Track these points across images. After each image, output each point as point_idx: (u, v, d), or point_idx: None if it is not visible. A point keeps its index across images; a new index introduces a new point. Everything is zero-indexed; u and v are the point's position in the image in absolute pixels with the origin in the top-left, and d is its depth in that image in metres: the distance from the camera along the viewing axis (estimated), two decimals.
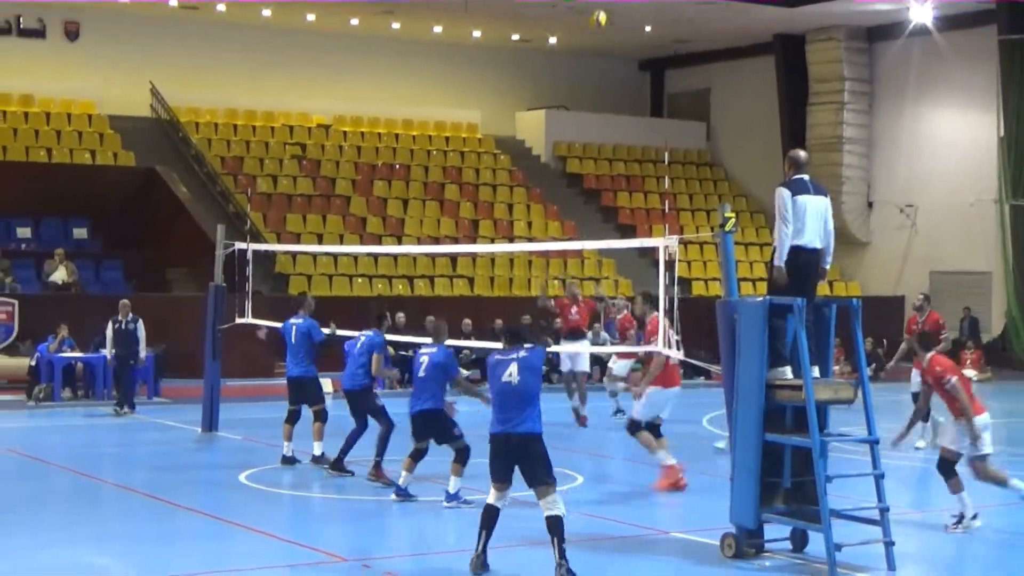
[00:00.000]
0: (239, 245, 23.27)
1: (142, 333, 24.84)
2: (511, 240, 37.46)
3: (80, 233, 34.17)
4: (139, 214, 34.45)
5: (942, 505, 14.55)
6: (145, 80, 38.46)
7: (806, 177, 13.09)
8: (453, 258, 36.04)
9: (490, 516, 11.97)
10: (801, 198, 12.84)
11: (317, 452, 17.75)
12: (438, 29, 40.91)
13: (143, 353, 25.19)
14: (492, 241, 37.00)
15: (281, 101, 40.47)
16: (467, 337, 28.59)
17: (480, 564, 11.87)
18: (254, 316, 22.49)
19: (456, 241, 36.38)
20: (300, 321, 18.24)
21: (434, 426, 14.95)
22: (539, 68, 44.85)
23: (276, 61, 40.51)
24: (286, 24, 39.68)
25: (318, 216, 36.72)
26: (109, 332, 24.78)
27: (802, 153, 13.49)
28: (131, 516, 14.79)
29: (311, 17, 39.19)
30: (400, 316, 28.34)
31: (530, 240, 37.18)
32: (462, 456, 14.81)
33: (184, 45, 39.27)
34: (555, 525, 11.66)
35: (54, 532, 13.74)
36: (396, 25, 40.35)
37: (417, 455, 15.17)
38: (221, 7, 38.01)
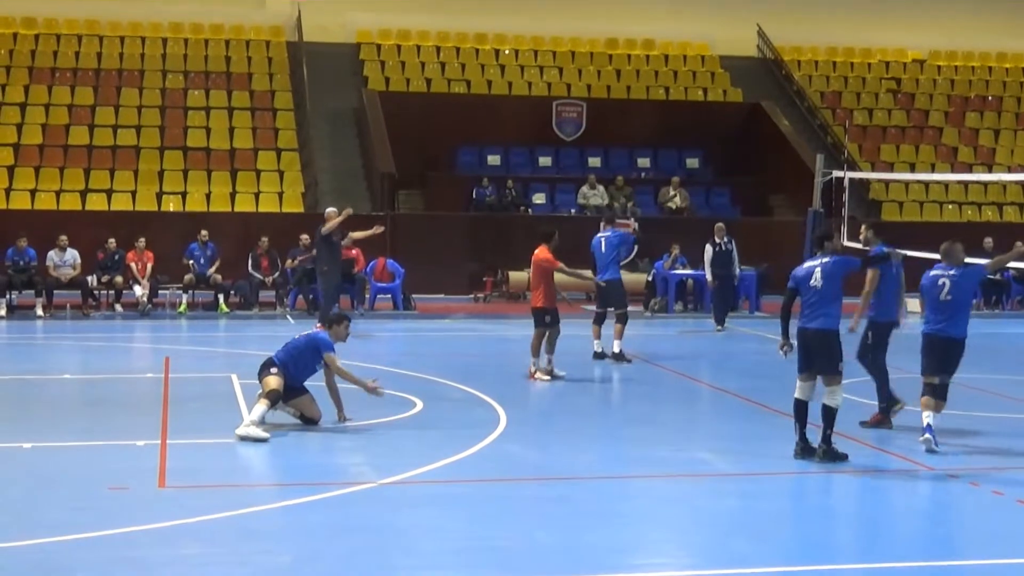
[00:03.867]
0: (836, 173, 23.05)
1: (736, 254, 24.91)
2: None
3: (692, 163, 34.84)
4: (745, 145, 34.71)
5: None
6: (752, 22, 38.62)
7: None
8: None
9: (799, 409, 12.23)
10: None
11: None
12: None
13: (738, 271, 25.33)
14: None
15: (878, 38, 39.46)
16: None
17: (801, 451, 12.16)
18: (848, 239, 22.23)
19: None
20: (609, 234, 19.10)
21: None
22: None
23: None
24: None
25: (911, 146, 35.76)
26: (709, 253, 24.65)
27: None
28: (725, 416, 15.01)
29: None
30: (988, 240, 27.42)
31: None
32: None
33: None
34: (826, 413, 12.02)
35: (667, 429, 14.16)
36: None
37: None
38: None
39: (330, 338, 13.49)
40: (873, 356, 14.12)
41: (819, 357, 12.22)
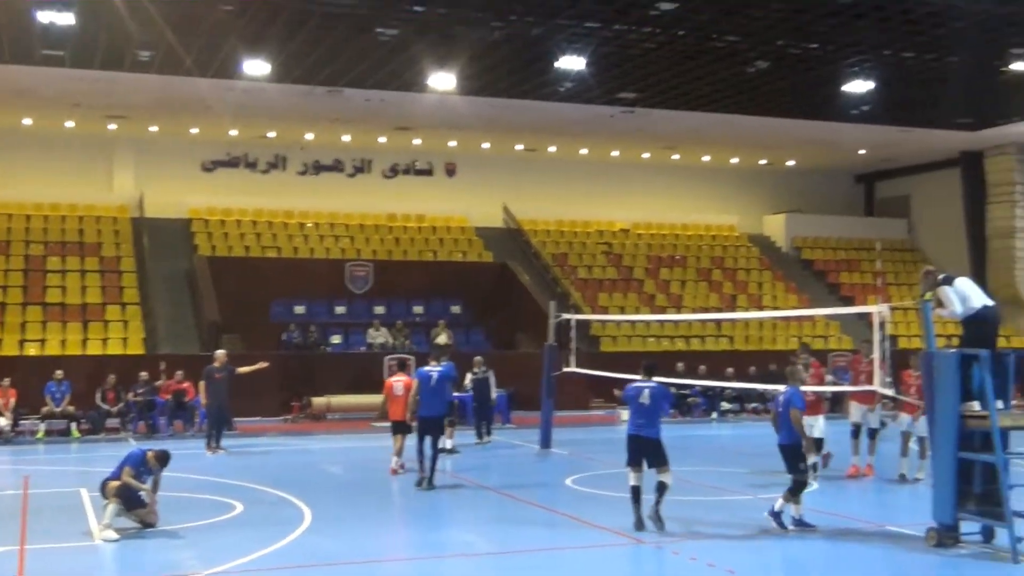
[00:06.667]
0: (565, 315, 23.42)
1: (493, 380, 24.51)
2: (760, 309, 36.62)
3: (455, 309, 35.00)
4: (496, 295, 35.14)
5: None
6: (499, 202, 39.44)
7: (946, 273, 12.93)
8: (718, 323, 35.51)
9: (636, 493, 12.68)
10: (956, 282, 12.62)
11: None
12: (707, 158, 40.71)
13: (495, 395, 24.88)
14: (747, 310, 36.25)
15: (594, 212, 40.72)
16: (727, 379, 27.92)
17: (640, 525, 12.51)
18: (577, 367, 22.58)
19: (720, 310, 35.82)
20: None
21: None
22: (780, 183, 43.86)
23: (590, 184, 40.83)
24: (597, 159, 40.09)
25: (621, 294, 36.77)
26: (468, 380, 24.22)
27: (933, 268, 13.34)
28: (486, 506, 14.94)
29: (615, 153, 39.51)
30: (680, 365, 28.13)
31: (775, 309, 36.27)
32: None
33: (526, 176, 40.04)
34: (660, 486, 12.56)
35: (431, 518, 14.04)
36: (676, 156, 40.31)
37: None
38: (552, 148, 38.73)
39: (149, 462, 13.14)
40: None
41: (649, 456, 12.60)
